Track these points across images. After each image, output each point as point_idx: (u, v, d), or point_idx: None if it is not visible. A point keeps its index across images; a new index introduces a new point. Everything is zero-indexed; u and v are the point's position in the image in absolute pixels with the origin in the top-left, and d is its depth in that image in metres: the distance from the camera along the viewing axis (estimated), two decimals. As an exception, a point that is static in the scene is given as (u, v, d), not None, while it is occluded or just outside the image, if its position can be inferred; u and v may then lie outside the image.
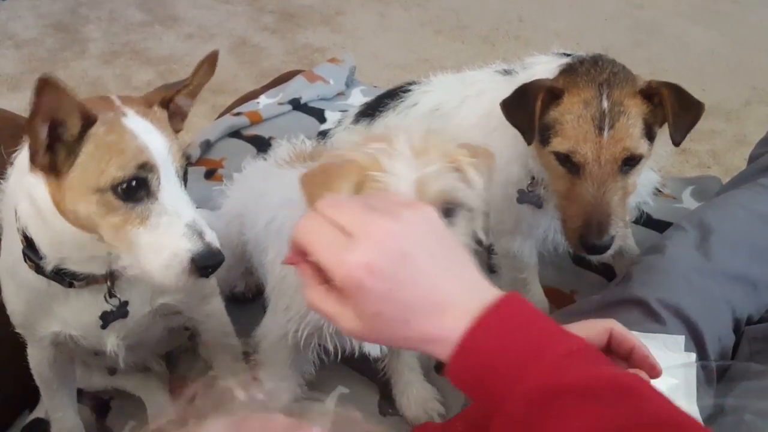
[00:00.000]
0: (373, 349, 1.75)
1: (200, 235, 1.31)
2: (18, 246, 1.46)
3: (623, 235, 1.81)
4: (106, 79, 4.12)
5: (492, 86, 2.03)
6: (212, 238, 1.33)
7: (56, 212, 1.35)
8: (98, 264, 1.45)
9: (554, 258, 2.19)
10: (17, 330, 1.64)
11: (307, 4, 4.77)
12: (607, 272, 2.28)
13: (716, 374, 1.68)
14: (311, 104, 2.78)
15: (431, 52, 4.33)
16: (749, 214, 1.95)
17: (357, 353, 1.76)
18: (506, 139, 1.91)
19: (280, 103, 2.73)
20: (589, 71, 1.76)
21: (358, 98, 2.84)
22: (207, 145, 2.56)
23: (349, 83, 2.94)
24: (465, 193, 1.42)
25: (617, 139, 1.71)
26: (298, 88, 2.80)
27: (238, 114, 2.69)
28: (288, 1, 4.78)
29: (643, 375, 1.17)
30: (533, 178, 1.91)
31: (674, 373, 1.53)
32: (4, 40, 4.48)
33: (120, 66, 4.20)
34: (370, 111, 2.22)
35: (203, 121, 3.78)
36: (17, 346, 1.71)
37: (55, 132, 1.30)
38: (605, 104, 1.70)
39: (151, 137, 1.33)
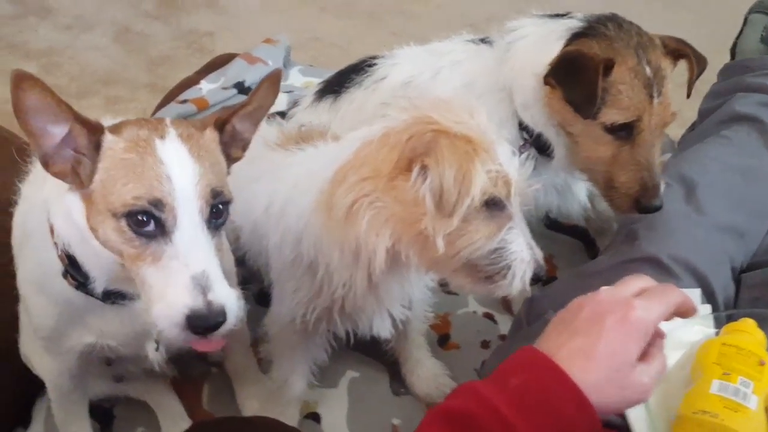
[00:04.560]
0: (383, 331, 1.71)
1: (204, 290, 1.16)
2: (50, 260, 1.35)
3: None
4: (-16, 77, 3.83)
5: (467, 56, 2.02)
6: (218, 296, 1.17)
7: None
8: None
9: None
10: (41, 342, 1.54)
11: (186, -14, 4.59)
12: (578, 233, 2.32)
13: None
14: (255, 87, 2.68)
15: (319, 30, 4.23)
16: (722, 166, 2.03)
17: (368, 336, 1.74)
18: (493, 104, 1.91)
19: (224, 88, 2.64)
20: (620, 36, 1.78)
21: (297, 78, 2.79)
22: (155, 136, 2.42)
23: (287, 64, 2.86)
24: None
25: (665, 105, 1.78)
26: (239, 72, 2.71)
27: (184, 101, 2.57)
28: (166, -15, 4.59)
29: None
30: (525, 140, 1.91)
31: (705, 323, 1.57)
32: None
33: (-1, 62, 3.92)
34: (336, 88, 2.16)
35: (98, 114, 3.53)
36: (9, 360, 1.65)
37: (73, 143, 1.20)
38: (648, 70, 1.74)
39: (179, 168, 1.19)
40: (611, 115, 1.76)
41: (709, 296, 1.73)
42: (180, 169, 1.19)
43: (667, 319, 1.15)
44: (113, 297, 1.36)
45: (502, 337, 2.02)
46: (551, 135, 1.87)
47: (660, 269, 1.76)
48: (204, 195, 1.20)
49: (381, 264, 1.46)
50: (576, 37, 1.83)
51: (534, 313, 1.79)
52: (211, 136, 1.30)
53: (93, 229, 1.23)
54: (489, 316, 2.08)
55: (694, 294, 1.70)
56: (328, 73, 2.58)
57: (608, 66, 1.74)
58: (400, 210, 1.41)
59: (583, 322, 1.11)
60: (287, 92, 2.67)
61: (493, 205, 1.41)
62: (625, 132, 1.78)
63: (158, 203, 1.17)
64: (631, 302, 1.11)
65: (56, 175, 1.21)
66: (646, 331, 1.10)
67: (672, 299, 1.15)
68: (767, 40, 2.54)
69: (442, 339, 2.01)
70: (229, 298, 1.19)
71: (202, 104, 2.57)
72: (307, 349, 1.77)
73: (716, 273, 1.82)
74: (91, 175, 1.20)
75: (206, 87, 2.66)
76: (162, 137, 1.21)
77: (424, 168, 1.37)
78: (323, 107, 2.15)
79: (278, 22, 4.28)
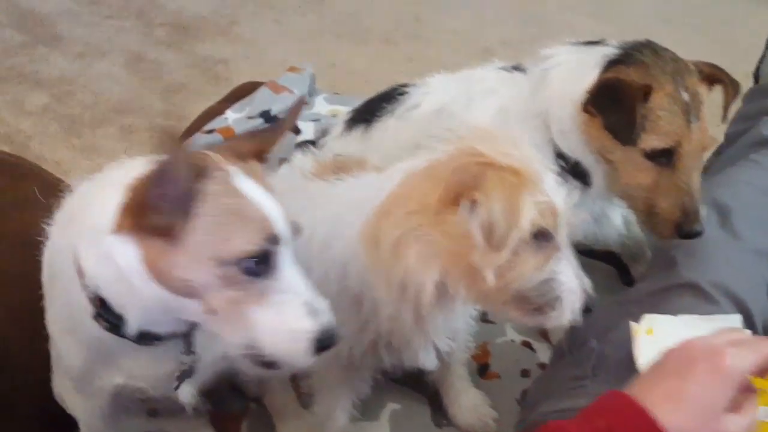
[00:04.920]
0: (429, 363, 1.69)
1: (317, 313, 1.24)
2: (79, 301, 1.33)
3: None
4: (-5, 106, 3.83)
5: (501, 84, 2.01)
6: (329, 316, 1.26)
7: (147, 278, 1.22)
8: (182, 322, 1.36)
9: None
10: (71, 382, 1.53)
11: (198, 14, 4.59)
12: (611, 259, 2.32)
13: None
14: (281, 116, 2.69)
15: (337, 57, 4.24)
16: (755, 191, 2.03)
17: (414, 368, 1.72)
18: (529, 132, 1.89)
19: (250, 117, 2.63)
20: (657, 62, 1.79)
21: (323, 106, 2.79)
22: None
23: (311, 92, 2.86)
24: None
25: (703, 130, 1.78)
26: (265, 101, 2.70)
27: (210, 131, 2.56)
28: (178, 13, 4.58)
29: None
30: (562, 168, 1.91)
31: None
32: None
33: (9, 92, 3.91)
34: (367, 116, 2.15)
35: (114, 143, 3.59)
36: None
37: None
38: (685, 96, 1.75)
39: (267, 203, 1.23)
40: (651, 141, 1.76)
41: (748, 322, 1.71)
42: (270, 206, 1.23)
43: (760, 373, 1.14)
44: (147, 339, 1.35)
45: (542, 366, 2.01)
46: (589, 162, 1.87)
47: (700, 295, 1.76)
48: (290, 228, 1.26)
49: (429, 298, 1.45)
50: (612, 64, 1.83)
51: (576, 341, 1.78)
52: (258, 167, 1.32)
53: (170, 278, 1.20)
54: (527, 345, 2.07)
55: (735, 320, 1.70)
56: (354, 101, 2.59)
57: (646, 92, 1.75)
58: (448, 244, 1.40)
59: (673, 367, 1.12)
60: (314, 120, 2.67)
61: (541, 237, 1.40)
62: (664, 158, 1.78)
63: (273, 238, 1.21)
64: (723, 350, 1.10)
65: (150, 227, 1.19)
66: (737, 379, 1.09)
67: (765, 350, 1.14)
68: (787, 64, 2.56)
69: (481, 369, 2.00)
70: (331, 314, 1.27)
71: (228, 133, 2.56)
72: (351, 383, 1.76)
73: (755, 298, 1.81)
74: (184, 223, 1.18)
75: (232, 116, 2.65)
76: (230, 174, 1.22)
77: (473, 202, 1.36)
78: (354, 136, 2.14)
79: (294, 50, 4.29)
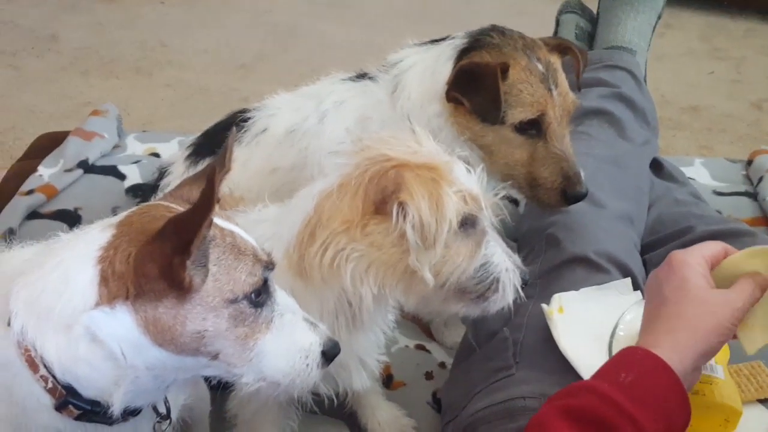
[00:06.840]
0: (362, 382, 1.66)
1: (316, 325, 1.26)
2: (30, 395, 1.19)
3: None
4: None
5: (352, 95, 1.97)
6: (323, 326, 1.28)
7: (146, 345, 1.13)
8: (163, 389, 1.28)
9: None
10: None
11: None
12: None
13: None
14: (99, 163, 2.50)
15: (89, 95, 4.06)
16: (596, 161, 2.15)
17: (350, 392, 1.71)
18: None
19: (67, 170, 2.41)
20: (507, 42, 1.84)
21: (136, 147, 2.62)
22: (10, 234, 2.17)
23: (120, 133, 2.67)
24: None
25: (563, 94, 1.84)
26: (78, 150, 2.50)
27: (29, 192, 2.32)
28: None
29: None
30: None
31: (637, 312, 1.64)
32: None
33: None
34: (213, 148, 2.03)
35: None
36: None
37: None
38: (540, 66, 1.81)
39: (246, 235, 1.22)
40: (517, 114, 1.81)
41: (634, 284, 1.80)
42: (249, 237, 1.21)
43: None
44: (126, 415, 1.24)
45: (442, 365, 2.00)
46: (465, 154, 1.87)
47: (590, 266, 1.83)
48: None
49: (368, 312, 1.46)
50: (464, 53, 1.87)
51: (483, 333, 1.78)
52: (220, 210, 1.26)
53: (176, 335, 1.12)
54: (421, 348, 2.06)
55: (626, 284, 1.79)
56: (168, 137, 2.47)
57: (504, 69, 1.79)
58: (379, 255, 1.40)
59: (657, 307, 1.25)
60: (135, 162, 2.50)
61: (468, 224, 1.42)
62: (534, 129, 1.83)
63: (269, 268, 1.20)
64: (676, 260, 1.27)
65: (158, 289, 1.10)
66: (699, 270, 1.24)
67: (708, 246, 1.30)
68: (581, 38, 2.74)
69: (387, 380, 1.96)
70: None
71: (50, 192, 2.37)
72: (280, 423, 1.68)
73: (632, 260, 1.92)
74: (203, 273, 1.12)
75: (46, 172, 2.41)
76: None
77: (401, 205, 1.35)
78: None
79: (41, 94, 4.10)
